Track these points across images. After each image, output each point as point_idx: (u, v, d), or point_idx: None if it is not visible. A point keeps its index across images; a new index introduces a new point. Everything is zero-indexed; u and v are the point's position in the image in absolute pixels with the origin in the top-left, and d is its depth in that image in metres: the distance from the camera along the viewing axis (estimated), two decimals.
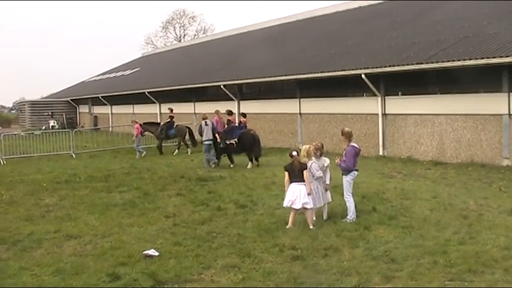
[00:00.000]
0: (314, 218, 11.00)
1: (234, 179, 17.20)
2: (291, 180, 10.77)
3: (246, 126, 24.82)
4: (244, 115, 25.77)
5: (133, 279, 8.08)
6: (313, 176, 10.98)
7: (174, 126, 27.71)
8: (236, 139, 20.69)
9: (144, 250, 9.33)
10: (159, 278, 8.07)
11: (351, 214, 11.11)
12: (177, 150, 27.06)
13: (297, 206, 10.60)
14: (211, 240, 10.06)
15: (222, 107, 31.57)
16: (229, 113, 23.63)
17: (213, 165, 20.50)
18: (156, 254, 9.19)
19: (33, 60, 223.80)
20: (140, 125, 27.13)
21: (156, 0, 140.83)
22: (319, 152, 11.40)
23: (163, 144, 27.76)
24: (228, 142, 20.65)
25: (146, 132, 28.17)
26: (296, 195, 10.58)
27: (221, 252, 9.25)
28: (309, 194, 10.59)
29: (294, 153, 10.90)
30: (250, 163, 20.41)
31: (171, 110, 29.14)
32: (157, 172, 19.28)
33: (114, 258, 9.14)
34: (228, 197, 14.07)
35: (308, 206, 10.61)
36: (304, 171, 10.66)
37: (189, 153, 26.50)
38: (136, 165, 21.41)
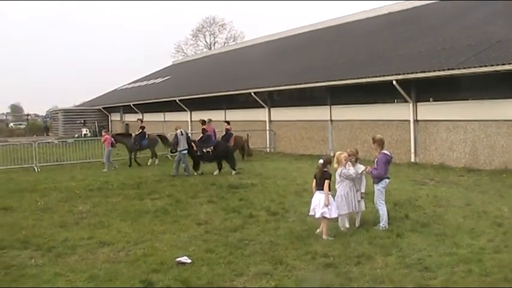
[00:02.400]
0: (347, 225, 10.98)
1: (265, 186, 17.20)
2: (316, 188, 10.79)
3: (232, 133, 26.07)
4: (228, 122, 26.95)
5: (166, 286, 8.13)
6: (346, 178, 10.98)
7: (146, 136, 27.11)
8: (212, 147, 21.38)
9: (177, 257, 9.38)
10: (192, 284, 8.13)
11: (383, 221, 11.03)
12: (150, 160, 26.71)
13: (316, 215, 10.63)
14: (243, 247, 10.07)
15: (253, 114, 31.84)
16: (203, 122, 23.86)
17: (173, 174, 20.86)
18: (189, 261, 9.23)
19: (66, 68, 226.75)
20: (112, 136, 26.39)
21: (187, 9, 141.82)
22: (354, 158, 11.34)
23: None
24: (205, 150, 21.25)
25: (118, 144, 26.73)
26: (315, 204, 10.61)
27: (253, 259, 9.26)
28: (326, 205, 10.56)
29: (320, 161, 10.87)
30: (218, 171, 21.33)
31: (141, 121, 29.04)
32: (189, 179, 19.34)
33: (147, 265, 9.20)
34: (260, 204, 14.06)
35: (327, 215, 10.58)
36: (326, 181, 10.65)
37: (156, 163, 26.46)
38: (167, 173, 21.50)
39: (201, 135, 21.93)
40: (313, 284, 8.03)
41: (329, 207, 10.56)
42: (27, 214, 14.38)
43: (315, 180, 10.87)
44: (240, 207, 13.88)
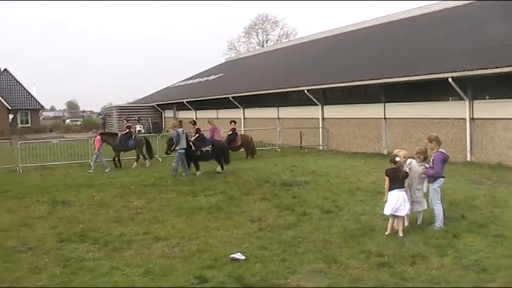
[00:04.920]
0: (407, 224, 10.86)
1: (318, 183, 17.13)
2: (393, 187, 10.68)
3: (236, 133, 26.51)
4: (234, 122, 27.45)
5: (220, 282, 8.19)
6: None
7: (133, 137, 26.29)
8: (211, 146, 21.46)
9: (231, 254, 9.43)
10: (246, 281, 8.16)
11: (439, 221, 10.86)
12: (135, 163, 25.64)
13: (403, 212, 10.52)
14: (296, 245, 10.06)
15: (306, 112, 31.77)
16: (194, 122, 23.80)
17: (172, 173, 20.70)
18: (243, 257, 9.27)
19: (121, 66, 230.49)
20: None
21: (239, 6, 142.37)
22: (423, 156, 11.20)
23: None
24: (204, 149, 21.23)
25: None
26: (400, 202, 10.48)
27: (307, 257, 9.25)
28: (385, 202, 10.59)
29: (397, 159, 10.76)
30: (220, 167, 21.44)
31: (127, 121, 28.37)
32: (242, 176, 19.40)
33: (201, 260, 9.27)
34: (313, 202, 14.00)
35: (401, 213, 10.51)
36: (404, 180, 10.65)
37: (147, 164, 25.46)
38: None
39: (197, 135, 21.92)
40: (367, 283, 7.97)
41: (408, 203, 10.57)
42: (84, 208, 14.69)
43: (388, 178, 10.80)
44: (294, 204, 13.84)
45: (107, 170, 23.39)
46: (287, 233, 11.00)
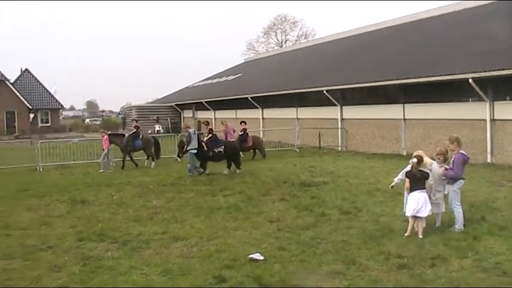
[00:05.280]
0: (425, 225, 10.80)
1: (337, 184, 17.08)
2: (414, 188, 10.62)
3: (247, 133, 26.39)
4: (244, 122, 27.22)
5: (239, 282, 8.18)
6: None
7: (140, 137, 25.85)
8: (223, 147, 21.39)
9: (250, 254, 9.43)
10: (264, 281, 8.15)
11: (459, 223, 10.77)
12: (147, 161, 25.68)
13: (424, 214, 10.45)
14: (315, 246, 10.03)
15: (325, 112, 31.71)
16: (207, 123, 23.91)
17: (196, 174, 20.67)
18: (261, 258, 9.26)
19: (140, 66, 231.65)
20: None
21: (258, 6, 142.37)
22: (443, 157, 11.11)
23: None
24: (216, 150, 21.16)
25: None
26: (421, 203, 10.42)
27: (326, 258, 9.22)
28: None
29: (414, 160, 10.70)
30: (227, 169, 21.29)
31: (136, 121, 28.35)
32: (260, 177, 19.37)
33: (219, 260, 9.27)
34: (332, 203, 13.96)
35: (421, 215, 10.45)
36: (425, 181, 10.57)
37: (152, 166, 25.06)
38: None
39: (209, 135, 21.88)
40: (387, 285, 7.93)
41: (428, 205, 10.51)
42: (103, 208, 14.77)
43: (408, 179, 10.72)
44: (312, 205, 13.81)
45: (109, 171, 23.42)
46: (306, 234, 10.98)
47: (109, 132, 27.85)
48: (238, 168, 21.35)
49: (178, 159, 24.72)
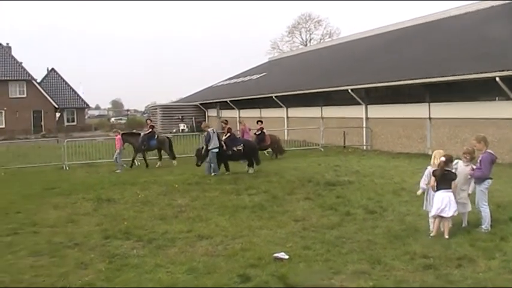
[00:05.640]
0: (451, 225, 10.70)
1: (362, 184, 17.00)
2: (438, 187, 10.54)
3: (264, 132, 26.34)
4: (261, 122, 27.16)
5: (263, 281, 8.17)
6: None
7: (156, 137, 25.77)
8: (242, 145, 21.41)
9: (274, 253, 9.41)
10: (289, 281, 8.12)
11: (486, 223, 10.65)
12: (159, 162, 25.54)
13: (448, 214, 10.34)
14: (340, 245, 9.98)
15: (349, 111, 31.59)
16: (226, 122, 23.93)
17: (213, 173, 20.60)
18: (286, 257, 9.24)
19: (165, 65, 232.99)
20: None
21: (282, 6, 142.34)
22: (470, 156, 11.00)
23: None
24: (235, 149, 21.16)
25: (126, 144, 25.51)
26: (446, 203, 10.33)
27: (351, 257, 9.17)
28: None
29: (442, 159, 10.61)
30: (251, 168, 21.32)
31: (151, 120, 28.23)
32: (285, 176, 19.35)
33: (244, 259, 9.28)
34: (357, 202, 13.91)
35: (445, 215, 10.36)
36: (452, 182, 10.49)
37: (174, 164, 25.14)
38: (264, 169, 21.63)
39: (228, 134, 21.85)
40: (412, 285, 7.87)
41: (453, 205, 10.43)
42: (129, 206, 14.88)
43: (434, 178, 10.64)
44: (337, 204, 13.76)
45: (118, 171, 23.44)
46: (331, 233, 10.94)
47: (124, 131, 28.12)
48: (257, 164, 21.42)
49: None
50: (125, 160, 24.91)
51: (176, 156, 26.14)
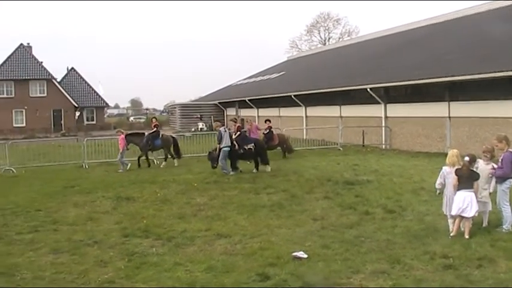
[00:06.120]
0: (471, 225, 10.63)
1: (381, 183, 16.92)
2: (460, 187, 10.46)
3: (272, 131, 26.33)
4: (269, 120, 27.24)
5: (282, 280, 8.18)
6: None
7: (160, 136, 25.43)
8: (253, 144, 21.32)
9: (293, 252, 9.42)
10: (308, 280, 8.12)
11: (507, 224, 10.55)
12: (164, 163, 25.11)
13: (469, 214, 10.26)
14: (359, 244, 9.96)
15: (368, 110, 31.46)
16: (235, 120, 23.70)
17: (231, 173, 20.54)
18: (305, 256, 9.25)
19: (185, 64, 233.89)
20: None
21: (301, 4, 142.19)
22: (490, 154, 10.90)
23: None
24: (246, 147, 21.09)
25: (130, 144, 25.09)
26: (467, 203, 10.25)
27: (370, 257, 9.15)
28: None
29: (466, 158, 10.53)
30: (268, 167, 21.29)
31: (156, 119, 28.03)
32: (304, 175, 19.30)
33: (263, 258, 9.28)
34: (376, 202, 13.85)
35: (467, 215, 10.28)
36: (475, 182, 10.42)
37: (175, 164, 24.91)
38: (282, 168, 21.62)
39: (238, 133, 21.77)
40: (432, 285, 7.83)
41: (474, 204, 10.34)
42: (148, 204, 14.94)
43: (457, 178, 10.56)
44: (356, 203, 13.73)
45: (120, 171, 23.29)
46: (349, 232, 10.92)
47: (128, 132, 28.08)
48: (264, 164, 21.37)
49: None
50: (130, 160, 24.74)
51: (190, 155, 25.99)
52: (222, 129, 21.07)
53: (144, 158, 24.90)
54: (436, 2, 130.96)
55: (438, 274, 8.23)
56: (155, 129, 25.67)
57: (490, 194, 10.91)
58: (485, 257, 8.86)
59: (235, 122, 23.15)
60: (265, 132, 26.41)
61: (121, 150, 24.06)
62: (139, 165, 24.46)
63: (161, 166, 24.66)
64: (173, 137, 26.52)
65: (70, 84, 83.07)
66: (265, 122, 27.26)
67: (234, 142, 21.05)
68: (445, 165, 11.01)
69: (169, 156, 25.47)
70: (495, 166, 10.75)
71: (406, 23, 45.74)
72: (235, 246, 10.32)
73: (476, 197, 10.49)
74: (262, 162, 21.40)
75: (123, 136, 24.48)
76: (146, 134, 25.90)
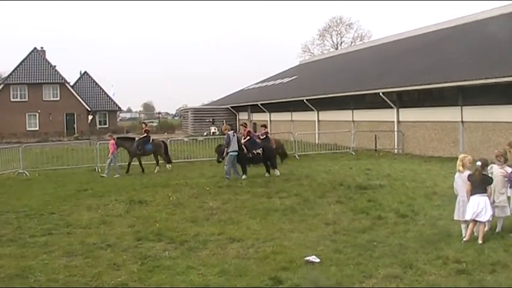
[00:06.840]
0: (487, 228, 10.57)
1: (393, 187, 16.90)
2: (473, 192, 10.42)
3: (269, 137, 25.85)
4: (265, 126, 26.94)
5: (295, 284, 8.18)
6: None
7: (151, 141, 25.43)
8: (262, 149, 21.40)
9: (306, 256, 9.43)
10: (321, 284, 8.08)
11: None
12: (157, 167, 24.98)
13: (484, 218, 10.21)
14: (372, 249, 9.94)
15: (381, 115, 31.41)
16: (245, 125, 23.89)
17: (243, 177, 20.53)
18: (317, 260, 9.25)
19: (197, 68, 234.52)
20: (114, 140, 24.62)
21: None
22: (503, 158, 10.87)
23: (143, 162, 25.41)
24: (255, 152, 21.17)
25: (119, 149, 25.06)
26: (481, 207, 10.20)
27: (382, 261, 9.13)
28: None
29: (478, 163, 10.50)
30: (277, 171, 21.31)
31: (146, 124, 27.87)
32: (316, 179, 19.31)
33: (275, 262, 9.29)
34: (388, 206, 13.83)
35: (481, 219, 10.23)
36: (488, 187, 10.37)
37: (168, 167, 25.18)
38: (295, 172, 21.64)
39: (247, 137, 21.83)
40: None
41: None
42: (161, 208, 14.97)
43: (470, 183, 10.52)
44: (369, 208, 13.70)
45: (116, 176, 23.18)
46: (362, 237, 10.91)
47: (118, 136, 28.11)
48: (273, 168, 21.35)
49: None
50: (120, 165, 24.77)
51: (202, 159, 26.03)
52: (230, 133, 21.07)
53: (137, 163, 24.95)
54: (449, 2, 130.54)
55: (451, 279, 8.20)
56: (146, 134, 25.61)
57: (508, 198, 10.84)
58: (499, 262, 8.82)
59: (245, 127, 23.18)
60: (262, 137, 26.37)
61: (110, 155, 23.88)
62: (127, 171, 24.35)
63: (155, 171, 24.50)
64: (164, 142, 26.61)
65: (83, 88, 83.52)
66: (261, 127, 27.24)
67: (243, 146, 21.07)
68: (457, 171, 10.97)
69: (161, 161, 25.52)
70: (509, 170, 10.70)
71: (418, 27, 45.58)
72: (248, 250, 10.34)
73: (493, 201, 10.46)
74: (271, 166, 21.40)
75: (113, 141, 24.34)
76: (136, 139, 26.00)
